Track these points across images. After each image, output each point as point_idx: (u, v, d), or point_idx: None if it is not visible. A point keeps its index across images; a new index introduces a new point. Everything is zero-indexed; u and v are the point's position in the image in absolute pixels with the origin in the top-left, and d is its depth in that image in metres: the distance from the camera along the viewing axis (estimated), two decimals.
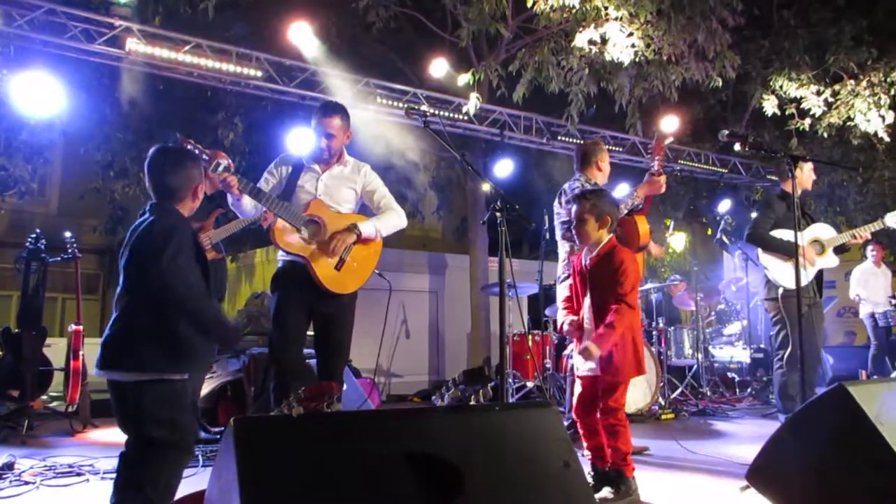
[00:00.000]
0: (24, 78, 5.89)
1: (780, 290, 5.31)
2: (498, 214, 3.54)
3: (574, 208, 3.55)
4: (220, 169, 3.40)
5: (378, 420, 2.17)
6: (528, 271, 8.79)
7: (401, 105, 7.49)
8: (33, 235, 5.80)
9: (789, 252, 5.09)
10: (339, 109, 3.96)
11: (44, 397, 6.05)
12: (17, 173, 8.46)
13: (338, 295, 3.80)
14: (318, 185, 3.91)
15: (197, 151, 3.29)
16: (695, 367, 7.76)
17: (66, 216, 11.19)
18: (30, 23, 5.83)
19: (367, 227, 3.84)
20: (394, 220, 4.00)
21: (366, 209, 4.11)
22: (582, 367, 3.50)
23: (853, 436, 2.55)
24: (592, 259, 3.52)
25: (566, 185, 4.75)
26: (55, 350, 6.17)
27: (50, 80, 5.98)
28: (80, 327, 5.81)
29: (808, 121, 9.06)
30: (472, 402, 1.99)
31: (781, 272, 5.28)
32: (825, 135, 9.15)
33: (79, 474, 3.95)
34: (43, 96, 5.99)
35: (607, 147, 8.87)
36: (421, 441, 2.05)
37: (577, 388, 3.59)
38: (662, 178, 4.43)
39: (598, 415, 3.45)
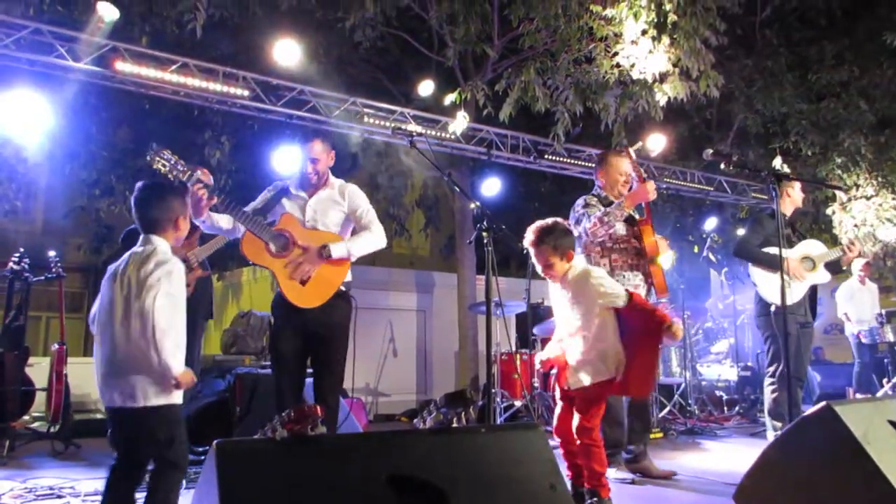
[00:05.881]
0: (10, 97, 5.87)
1: (773, 308, 5.28)
2: (485, 234, 3.54)
3: (533, 252, 3.48)
4: (193, 179, 3.41)
5: (362, 443, 2.15)
6: (515, 290, 8.77)
7: (388, 124, 7.51)
8: (17, 255, 5.75)
9: (776, 265, 5.06)
10: (318, 133, 4.08)
11: (25, 417, 5.97)
12: (1, 192, 8.40)
13: (324, 314, 3.81)
14: (307, 210, 3.92)
15: (173, 162, 3.36)
16: (683, 385, 7.76)
17: (50, 235, 11.11)
18: (16, 42, 5.82)
19: (338, 249, 3.82)
20: (369, 239, 3.96)
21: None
22: (575, 384, 3.48)
23: (841, 455, 2.55)
24: (567, 289, 3.49)
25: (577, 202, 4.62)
26: (38, 370, 6.10)
27: (36, 99, 5.96)
28: (64, 347, 5.76)
29: (792, 138, 9.19)
30: (455, 425, 1.98)
31: (773, 289, 5.22)
32: (809, 153, 9.26)
33: (59, 496, 3.88)
34: (29, 115, 5.97)
35: (594, 165, 8.98)
36: (405, 464, 2.03)
37: (558, 409, 3.55)
38: (648, 184, 4.27)
39: (574, 434, 3.42)
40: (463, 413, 2.10)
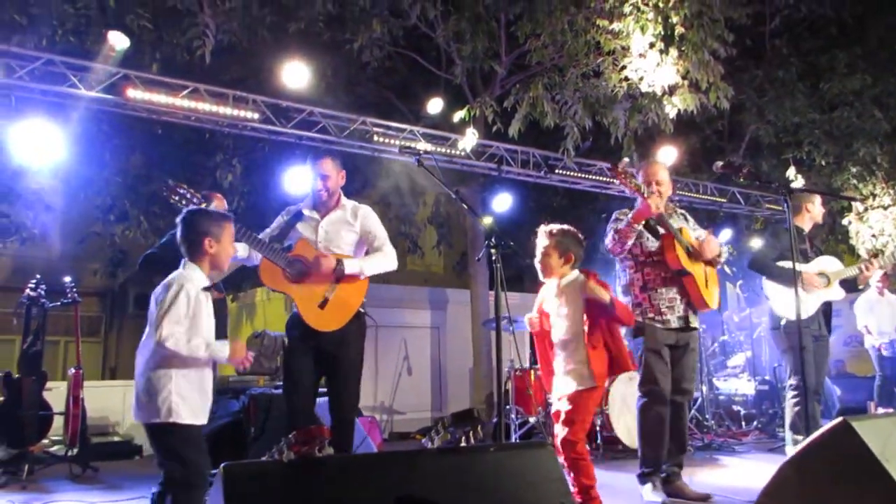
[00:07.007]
0: (25, 126, 5.96)
1: (784, 322, 5.24)
2: (493, 251, 3.55)
3: (540, 241, 3.67)
4: None
5: (370, 463, 2.14)
6: (529, 305, 8.69)
7: (398, 143, 7.53)
8: (34, 281, 5.83)
9: (790, 279, 4.99)
10: (329, 152, 4.20)
11: (44, 441, 6.02)
12: (18, 220, 8.51)
13: (337, 333, 3.83)
14: (319, 231, 3.98)
15: (189, 196, 3.43)
16: (699, 400, 7.66)
17: (66, 260, 11.19)
18: (30, 73, 5.91)
19: (351, 265, 3.88)
20: (380, 260, 4.02)
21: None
22: (560, 391, 3.54)
23: (858, 473, 2.49)
24: (559, 296, 3.64)
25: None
26: (56, 394, 6.15)
27: (50, 128, 6.05)
28: (80, 371, 5.81)
29: (805, 148, 9.11)
30: (463, 444, 1.96)
31: (785, 303, 5.18)
32: (823, 163, 9.17)
33: None
34: (43, 144, 6.06)
35: (604, 179, 8.96)
36: (414, 484, 2.01)
37: (556, 428, 3.58)
38: (650, 199, 4.12)
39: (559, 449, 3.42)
40: (471, 432, 2.09)
